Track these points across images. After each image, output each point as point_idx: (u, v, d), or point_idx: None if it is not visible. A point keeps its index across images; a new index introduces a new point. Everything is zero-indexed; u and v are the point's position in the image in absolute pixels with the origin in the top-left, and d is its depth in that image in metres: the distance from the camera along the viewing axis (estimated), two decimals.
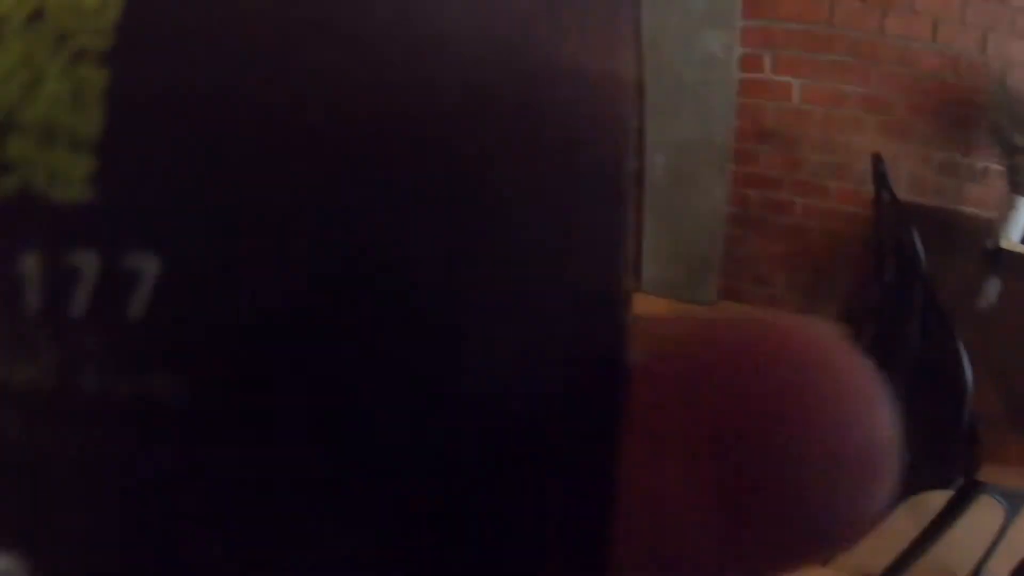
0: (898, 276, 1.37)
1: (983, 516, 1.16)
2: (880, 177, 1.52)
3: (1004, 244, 1.51)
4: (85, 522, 0.07)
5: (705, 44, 1.69)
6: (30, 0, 0.07)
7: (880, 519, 0.09)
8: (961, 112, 1.65)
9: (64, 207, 0.06)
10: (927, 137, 1.71)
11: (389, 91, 0.07)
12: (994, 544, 1.20)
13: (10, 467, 0.07)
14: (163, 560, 0.07)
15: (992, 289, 1.49)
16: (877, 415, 0.08)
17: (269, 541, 0.07)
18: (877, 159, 1.56)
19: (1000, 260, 1.49)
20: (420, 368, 0.07)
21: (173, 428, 0.07)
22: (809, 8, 1.68)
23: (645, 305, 1.48)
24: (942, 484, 1.15)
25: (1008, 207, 1.51)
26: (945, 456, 1.15)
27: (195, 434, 0.07)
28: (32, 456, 0.07)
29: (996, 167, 1.60)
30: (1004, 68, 1.57)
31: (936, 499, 1.16)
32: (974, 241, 1.55)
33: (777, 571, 0.09)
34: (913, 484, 1.12)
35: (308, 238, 0.07)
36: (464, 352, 0.07)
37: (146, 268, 0.07)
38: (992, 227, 1.54)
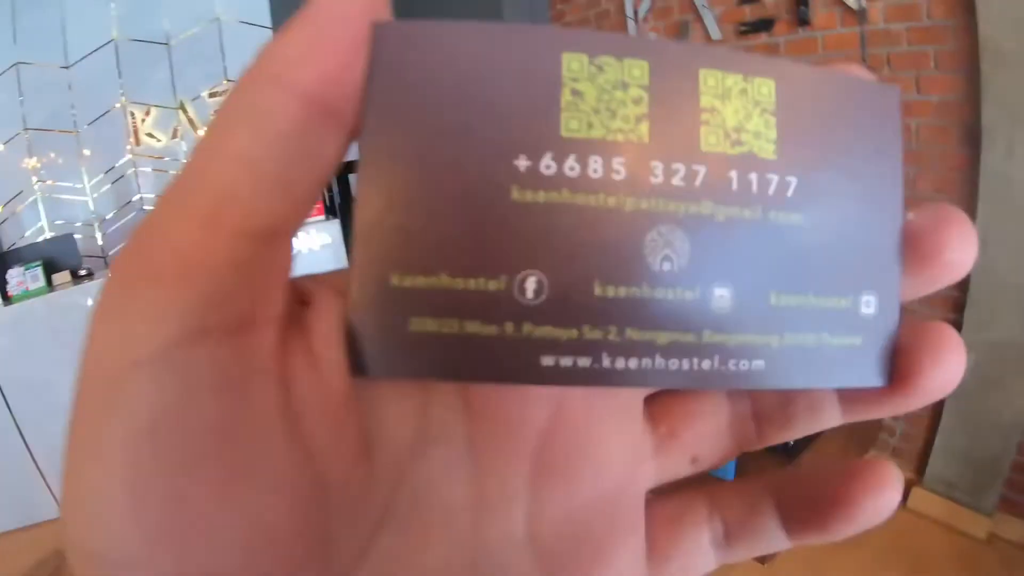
0: None
1: None
2: None
3: None
4: None
5: None
6: (739, 84, 0.17)
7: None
8: None
9: (764, 160, 0.17)
10: None
11: None
12: None
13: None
14: None
15: None
16: None
17: None
18: None
19: None
20: None
21: None
22: None
23: (921, 501, 1.74)
24: None
25: None
26: None
27: None
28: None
29: None
30: None
31: None
32: None
33: None
34: None
35: None
36: None
37: (792, 181, 0.17)
38: None
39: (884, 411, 0.19)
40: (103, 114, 3.42)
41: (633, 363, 0.16)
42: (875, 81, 0.18)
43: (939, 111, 1.78)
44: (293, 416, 0.15)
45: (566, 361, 0.16)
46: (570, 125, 0.16)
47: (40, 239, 3.25)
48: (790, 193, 0.17)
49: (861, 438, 2.01)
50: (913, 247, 0.18)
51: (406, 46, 0.16)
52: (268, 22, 3.35)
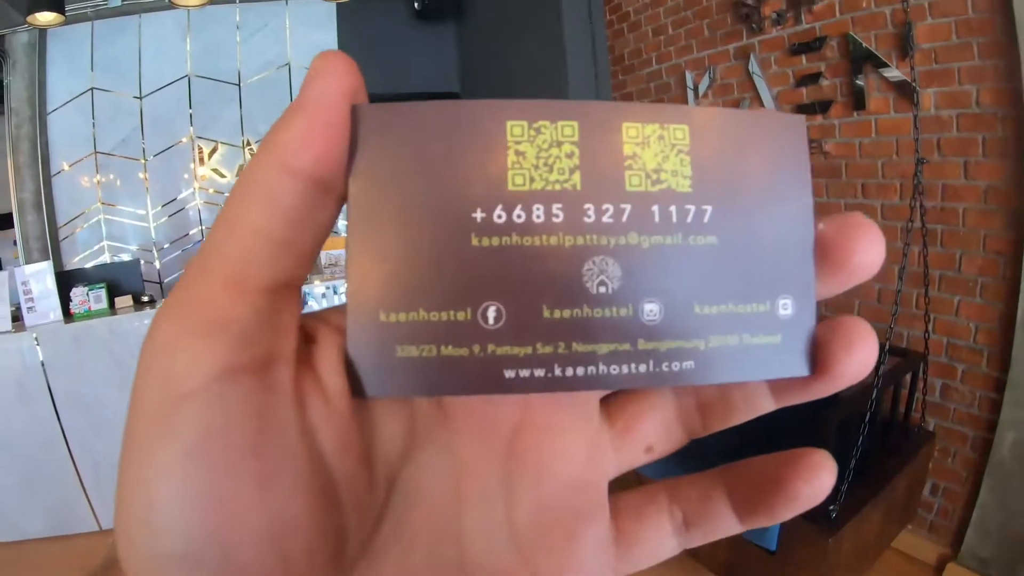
0: None
1: None
2: None
3: None
4: None
5: None
6: (657, 131, 0.20)
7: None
8: None
9: (682, 193, 0.20)
10: None
11: None
12: None
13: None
14: None
15: None
16: None
17: None
18: None
19: None
20: None
21: None
22: None
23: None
24: None
25: None
26: None
27: None
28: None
29: None
30: None
31: None
32: None
33: None
34: None
35: None
36: None
37: (707, 208, 0.21)
38: None
39: (810, 396, 0.22)
40: (171, 146, 3.57)
41: (580, 371, 0.19)
42: (781, 113, 0.21)
43: (986, 196, 1.85)
44: (309, 433, 0.18)
45: (524, 373, 0.19)
46: (515, 181, 0.19)
47: (101, 260, 3.39)
48: (706, 219, 0.20)
49: (899, 514, 2.02)
50: (825, 253, 0.20)
51: (381, 125, 0.19)
52: None
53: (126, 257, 3.46)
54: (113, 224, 3.51)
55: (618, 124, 0.20)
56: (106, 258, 3.46)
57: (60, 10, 2.92)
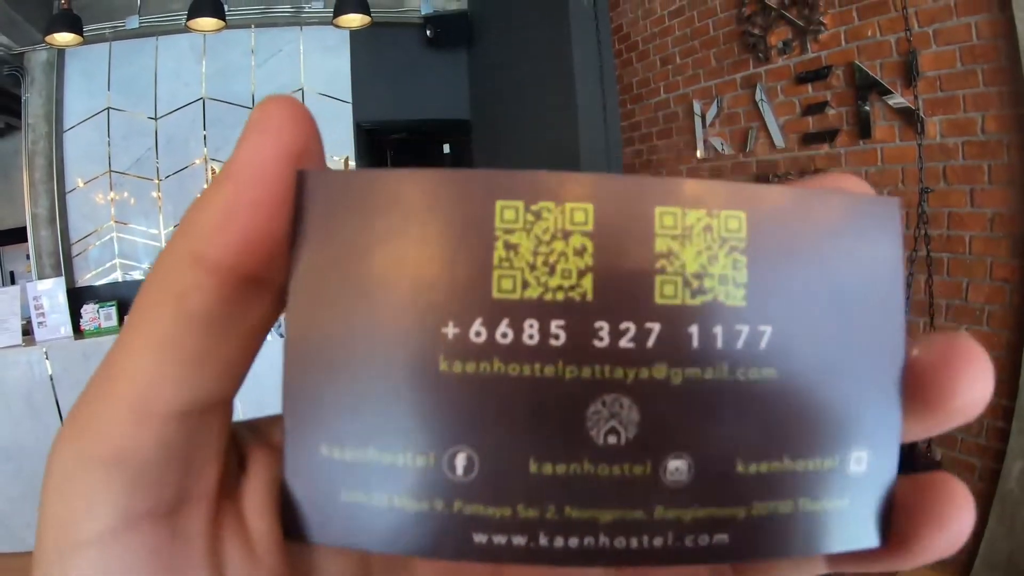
0: None
1: None
2: None
3: None
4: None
5: None
6: (703, 220, 0.15)
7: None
8: None
9: (732, 308, 0.15)
10: None
11: None
12: None
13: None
14: None
15: None
16: None
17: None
18: None
19: None
20: None
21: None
22: None
23: None
24: None
25: None
26: None
27: None
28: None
29: None
30: None
31: None
32: None
33: None
34: None
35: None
36: None
37: (766, 330, 0.15)
38: None
39: (877, 569, 0.17)
40: (184, 167, 3.62)
41: (573, 542, 0.15)
42: (870, 196, 0.17)
43: (992, 224, 1.85)
44: None
45: (499, 539, 0.15)
46: (503, 285, 0.15)
47: (112, 278, 3.44)
48: (763, 345, 0.15)
49: None
50: (918, 389, 0.16)
51: (334, 200, 0.15)
52: (348, 96, 3.59)
53: (138, 275, 3.48)
54: (125, 242, 3.54)
55: (649, 209, 0.15)
56: (118, 276, 3.48)
57: (78, 31, 2.98)
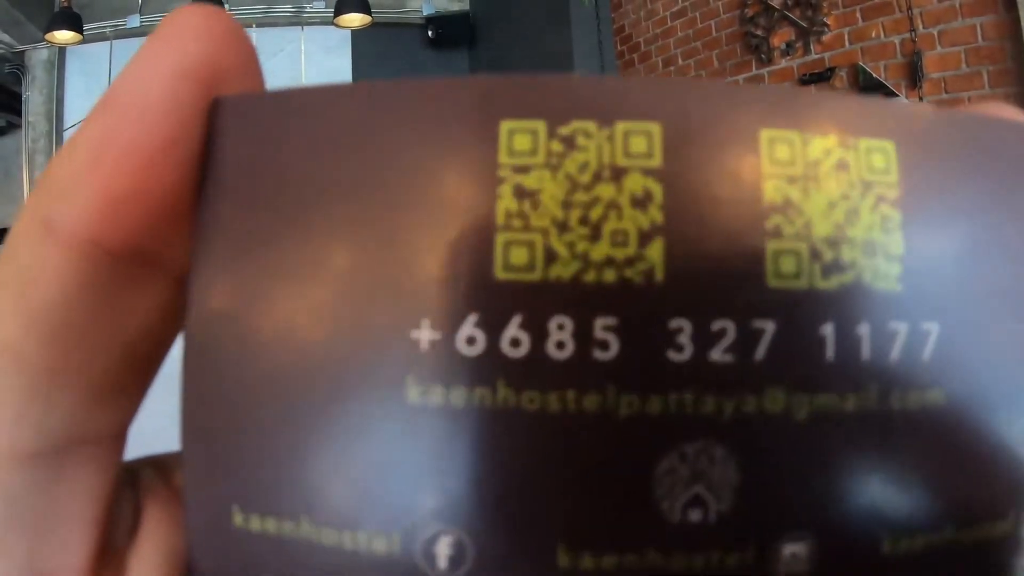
0: None
1: None
2: None
3: None
4: None
5: None
6: (835, 153, 0.10)
7: None
8: None
9: (883, 294, 0.10)
10: None
11: None
12: None
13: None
14: None
15: None
16: None
17: None
18: None
19: None
20: None
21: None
22: None
23: None
24: None
25: None
26: None
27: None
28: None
29: None
30: None
31: None
32: None
33: None
34: None
35: None
36: None
37: (932, 330, 0.10)
38: None
39: None
40: None
41: None
42: None
43: None
44: None
45: None
46: (512, 259, 0.09)
47: None
48: (927, 353, 0.10)
49: None
50: None
51: (259, 138, 0.10)
52: None
53: None
54: None
55: (752, 132, 0.10)
56: None
57: (79, 29, 2.98)
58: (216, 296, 0.10)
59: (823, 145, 0.10)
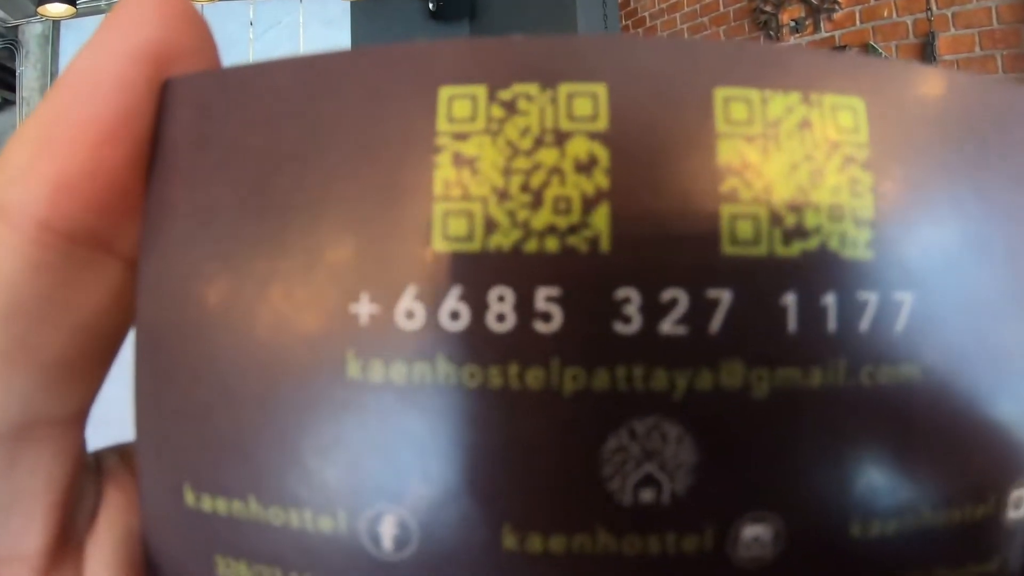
0: None
1: None
2: None
3: None
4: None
5: None
6: (797, 111, 0.09)
7: None
8: None
9: (851, 262, 0.09)
10: None
11: None
12: None
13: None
14: None
15: None
16: None
17: None
18: None
19: None
20: None
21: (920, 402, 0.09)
22: None
23: None
24: None
25: None
26: None
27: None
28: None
29: None
30: None
31: None
32: None
33: None
34: None
35: None
36: None
37: (905, 300, 0.09)
38: None
39: None
40: None
41: None
42: None
43: None
44: None
45: None
46: (450, 229, 0.09)
47: None
48: (900, 325, 0.09)
49: None
50: None
51: (207, 115, 0.10)
52: None
53: None
54: None
55: (704, 90, 0.09)
56: None
57: (72, 2, 2.92)
58: (163, 277, 0.10)
59: (784, 103, 0.09)
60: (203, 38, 0.11)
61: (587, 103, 0.09)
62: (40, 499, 0.11)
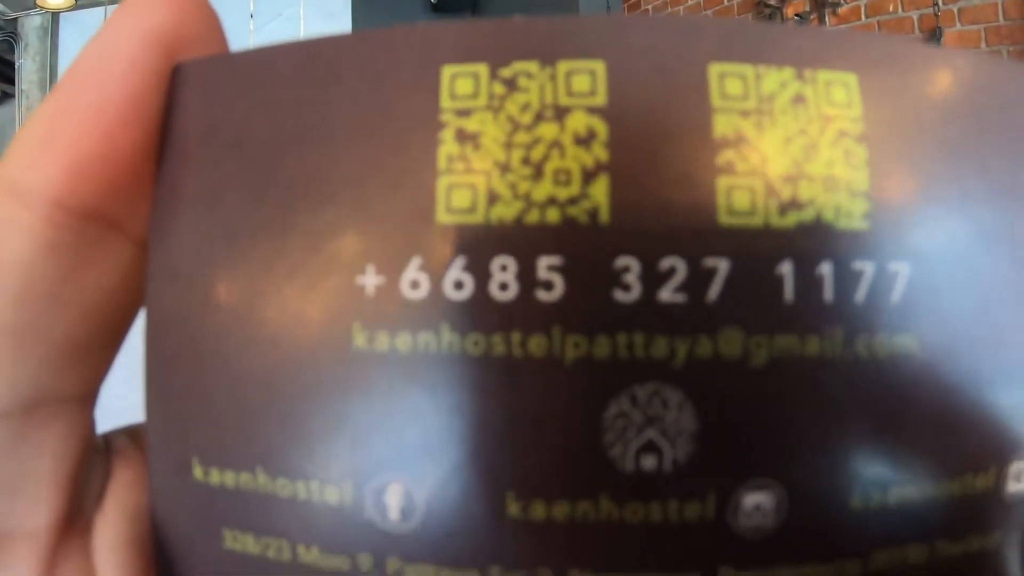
0: None
1: None
2: None
3: None
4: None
5: None
6: (791, 86, 0.09)
7: None
8: None
9: (847, 232, 0.09)
10: None
11: None
12: None
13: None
14: None
15: None
16: None
17: None
18: None
19: None
20: None
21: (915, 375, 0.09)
22: None
23: None
24: None
25: None
26: None
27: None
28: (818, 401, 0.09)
29: None
30: None
31: None
32: None
33: None
34: None
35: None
36: None
37: (901, 271, 0.09)
38: None
39: None
40: None
41: None
42: None
43: None
44: None
45: None
46: (454, 202, 0.09)
47: None
48: (897, 296, 0.09)
49: None
50: None
51: (217, 99, 0.11)
52: None
53: None
54: None
55: (699, 66, 0.09)
56: None
57: None
58: (173, 259, 0.11)
59: (778, 78, 0.10)
60: (212, 25, 0.11)
61: (585, 79, 0.09)
62: (48, 476, 0.11)
